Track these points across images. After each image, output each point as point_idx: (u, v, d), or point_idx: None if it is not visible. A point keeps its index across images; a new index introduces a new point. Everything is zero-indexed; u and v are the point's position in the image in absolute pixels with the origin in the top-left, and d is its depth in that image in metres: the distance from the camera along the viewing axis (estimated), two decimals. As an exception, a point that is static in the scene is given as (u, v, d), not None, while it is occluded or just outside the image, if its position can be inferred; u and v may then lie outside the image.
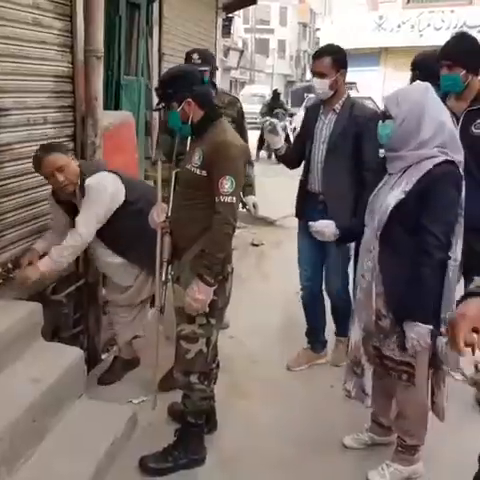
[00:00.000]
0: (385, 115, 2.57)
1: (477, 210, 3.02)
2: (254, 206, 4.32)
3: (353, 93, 12.77)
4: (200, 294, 2.60)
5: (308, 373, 3.84)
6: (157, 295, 2.89)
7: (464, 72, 3.14)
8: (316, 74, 3.48)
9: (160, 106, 2.74)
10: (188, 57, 3.94)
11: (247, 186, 4.25)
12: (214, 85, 4.12)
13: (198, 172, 2.62)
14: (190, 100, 2.63)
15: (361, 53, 17.47)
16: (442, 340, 2.54)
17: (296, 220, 3.85)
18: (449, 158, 2.45)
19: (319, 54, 3.49)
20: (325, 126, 3.55)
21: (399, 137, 2.53)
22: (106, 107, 4.60)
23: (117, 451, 2.86)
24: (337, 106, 3.51)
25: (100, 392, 3.39)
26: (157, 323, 3.05)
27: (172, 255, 2.81)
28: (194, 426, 2.90)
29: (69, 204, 3.27)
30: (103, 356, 4.01)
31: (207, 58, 3.96)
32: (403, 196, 2.49)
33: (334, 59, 3.44)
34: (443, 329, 2.53)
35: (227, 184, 2.55)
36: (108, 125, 3.93)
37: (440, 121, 2.50)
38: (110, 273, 3.48)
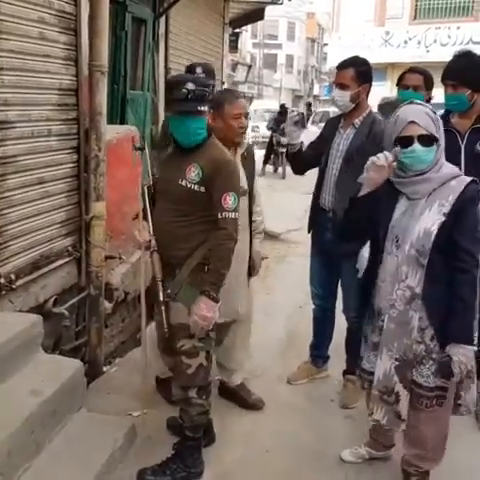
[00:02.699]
0: (429, 138, 2.44)
1: None
2: None
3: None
4: (208, 312, 2.59)
5: (308, 387, 3.81)
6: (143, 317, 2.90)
7: (470, 92, 3.12)
8: (338, 85, 3.39)
9: None
10: (191, 71, 3.85)
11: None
12: None
13: (196, 188, 2.64)
14: None
15: (368, 68, 17.53)
16: None
17: (300, 234, 3.80)
18: (471, 177, 2.45)
19: (343, 65, 3.40)
20: (342, 140, 3.42)
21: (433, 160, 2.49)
22: (112, 121, 4.65)
23: (115, 463, 2.86)
24: (357, 121, 3.39)
25: (100, 405, 3.37)
26: (144, 345, 3.06)
27: (163, 273, 2.76)
28: (192, 440, 2.89)
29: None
30: (105, 369, 4.00)
31: (211, 72, 3.95)
32: (444, 218, 2.43)
33: (357, 71, 3.33)
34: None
35: (231, 200, 2.60)
36: (112, 139, 3.96)
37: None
38: None
